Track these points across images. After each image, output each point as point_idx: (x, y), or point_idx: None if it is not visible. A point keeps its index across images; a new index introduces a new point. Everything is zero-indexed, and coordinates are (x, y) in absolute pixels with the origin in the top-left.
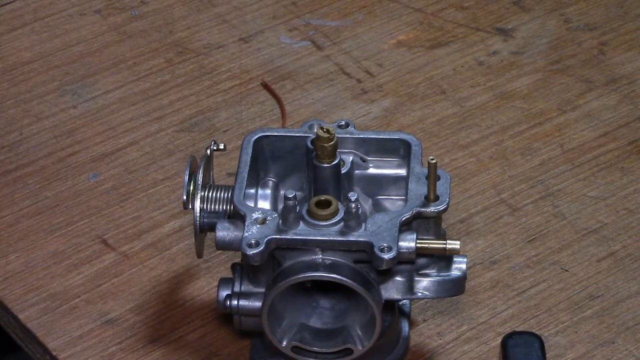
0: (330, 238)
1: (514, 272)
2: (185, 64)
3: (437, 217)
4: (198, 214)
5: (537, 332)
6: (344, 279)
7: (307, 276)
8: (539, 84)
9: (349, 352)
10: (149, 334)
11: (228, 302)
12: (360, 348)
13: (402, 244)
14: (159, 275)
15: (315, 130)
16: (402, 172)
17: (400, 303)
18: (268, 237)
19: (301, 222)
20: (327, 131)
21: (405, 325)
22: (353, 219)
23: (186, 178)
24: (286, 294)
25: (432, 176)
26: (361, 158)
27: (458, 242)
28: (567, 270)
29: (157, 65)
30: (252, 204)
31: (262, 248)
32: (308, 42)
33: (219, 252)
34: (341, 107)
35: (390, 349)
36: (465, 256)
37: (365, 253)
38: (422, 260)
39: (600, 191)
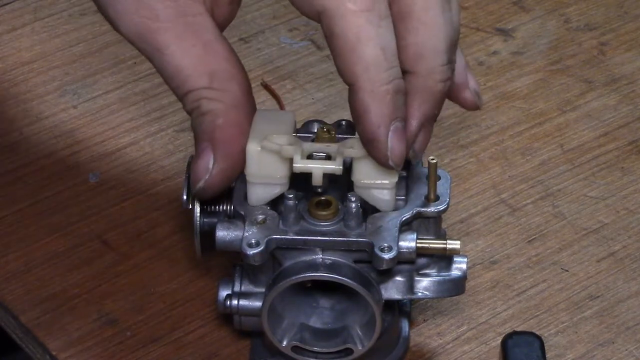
0: (331, 238)
1: (514, 272)
2: None
3: (437, 217)
4: (198, 214)
5: (537, 332)
6: (344, 279)
7: (307, 276)
8: (539, 84)
9: (349, 352)
10: (149, 334)
11: (228, 302)
12: (360, 348)
13: (402, 243)
14: (159, 275)
15: (316, 130)
16: (402, 172)
17: (401, 303)
18: (268, 237)
19: (301, 222)
20: (327, 131)
21: (405, 325)
22: (353, 219)
23: (186, 178)
24: (286, 293)
25: (432, 176)
26: None
27: (458, 242)
28: (567, 270)
29: None
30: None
31: (262, 248)
32: (308, 42)
33: (219, 252)
34: (341, 107)
35: (390, 349)
36: (465, 256)
37: (365, 253)
38: (422, 260)
39: (600, 191)
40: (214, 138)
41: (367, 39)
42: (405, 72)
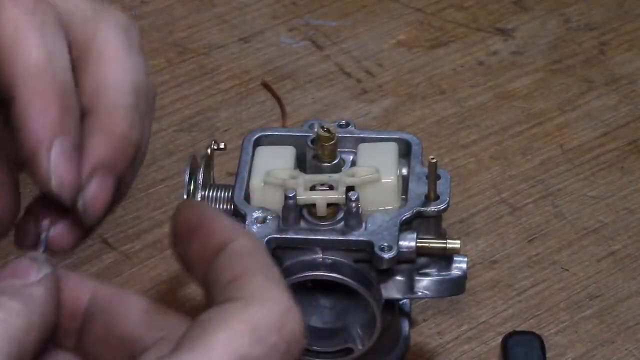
0: (331, 237)
1: (514, 271)
2: (185, 64)
3: (438, 217)
4: None
5: (538, 332)
6: (345, 278)
7: (307, 275)
8: (539, 84)
9: (349, 351)
10: None
11: None
12: (360, 347)
13: (402, 243)
14: (159, 275)
15: (316, 129)
16: (403, 171)
17: (401, 302)
18: (268, 237)
19: (301, 222)
20: (328, 130)
21: (405, 325)
22: (353, 219)
23: (187, 177)
24: None
25: (432, 175)
26: None
27: (458, 242)
28: (567, 270)
29: (157, 65)
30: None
31: None
32: (308, 42)
33: None
34: (341, 107)
35: (390, 349)
36: (465, 256)
37: (365, 252)
38: (422, 260)
39: (600, 191)
40: None
41: None
42: (85, 114)
